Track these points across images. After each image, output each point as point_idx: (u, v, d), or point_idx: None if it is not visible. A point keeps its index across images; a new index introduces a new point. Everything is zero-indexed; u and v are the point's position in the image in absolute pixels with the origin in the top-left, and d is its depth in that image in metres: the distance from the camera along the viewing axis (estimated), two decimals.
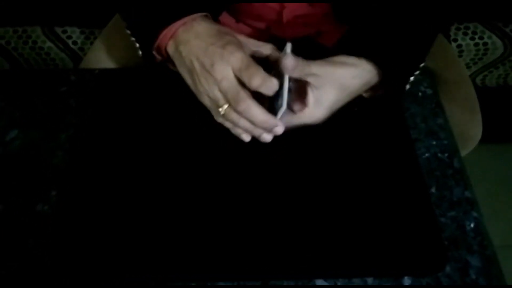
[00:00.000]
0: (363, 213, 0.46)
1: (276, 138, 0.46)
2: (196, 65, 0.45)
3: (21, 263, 0.44)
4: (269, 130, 0.44)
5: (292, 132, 0.46)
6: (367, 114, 0.53)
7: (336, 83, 0.45)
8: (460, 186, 0.49)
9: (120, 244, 0.44)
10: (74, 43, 0.85)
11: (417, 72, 0.52)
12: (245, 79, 0.42)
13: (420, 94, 0.58)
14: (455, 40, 0.85)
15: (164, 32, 0.48)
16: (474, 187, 0.50)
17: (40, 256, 0.44)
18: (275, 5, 0.60)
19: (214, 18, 0.62)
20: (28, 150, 0.53)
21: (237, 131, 0.46)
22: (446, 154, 0.52)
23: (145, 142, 0.52)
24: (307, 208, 0.46)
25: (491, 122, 0.88)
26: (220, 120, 0.46)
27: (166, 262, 0.43)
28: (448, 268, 0.43)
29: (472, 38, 0.85)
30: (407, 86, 0.52)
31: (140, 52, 0.54)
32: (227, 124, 0.46)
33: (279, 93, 0.43)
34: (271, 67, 0.47)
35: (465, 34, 0.86)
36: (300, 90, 0.46)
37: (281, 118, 0.44)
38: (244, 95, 0.42)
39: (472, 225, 0.46)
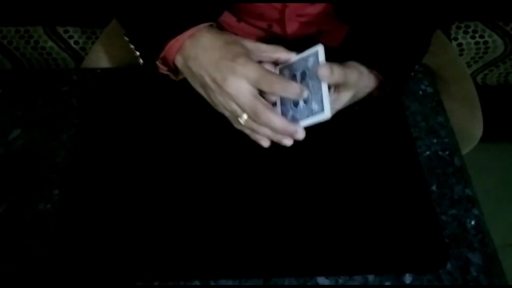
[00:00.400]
0: (364, 211, 0.46)
1: None
2: (208, 80, 0.45)
3: (23, 262, 0.44)
4: (289, 136, 0.45)
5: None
6: (368, 113, 0.53)
7: (355, 89, 0.47)
8: (461, 184, 0.49)
9: (122, 243, 0.45)
10: (76, 43, 0.85)
11: (412, 74, 0.53)
12: (265, 88, 0.43)
13: (420, 92, 0.58)
14: (456, 38, 0.86)
15: (170, 43, 0.47)
16: (475, 186, 0.50)
17: (42, 255, 0.44)
18: (277, 4, 0.60)
19: (216, 18, 0.62)
20: (30, 150, 0.53)
21: (256, 137, 0.46)
22: (447, 152, 0.52)
23: (147, 141, 0.52)
24: (309, 206, 0.47)
25: (492, 120, 0.88)
26: (239, 127, 0.47)
27: (168, 261, 0.43)
28: (449, 266, 0.43)
29: (473, 37, 0.86)
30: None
31: (141, 61, 0.53)
32: (247, 131, 0.46)
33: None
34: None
35: (466, 32, 0.86)
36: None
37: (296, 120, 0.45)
38: (262, 107, 0.43)
39: (473, 223, 0.46)
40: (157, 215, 0.46)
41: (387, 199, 0.47)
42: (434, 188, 0.49)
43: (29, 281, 0.43)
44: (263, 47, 0.48)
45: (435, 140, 0.53)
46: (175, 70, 0.51)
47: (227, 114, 0.47)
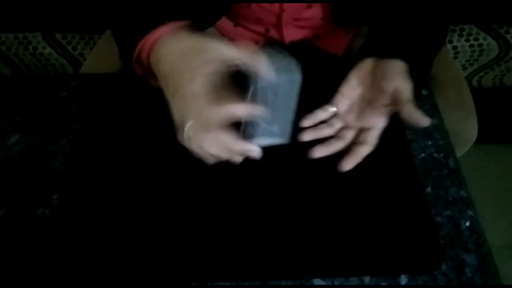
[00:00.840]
0: (360, 213, 0.47)
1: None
2: (170, 84, 0.43)
3: (23, 265, 0.45)
4: (239, 154, 0.43)
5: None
6: None
7: (404, 78, 0.47)
8: (456, 186, 0.50)
9: (121, 246, 0.45)
10: (74, 48, 0.86)
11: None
12: (217, 100, 0.40)
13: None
14: (451, 41, 0.86)
15: (141, 42, 0.46)
16: (471, 187, 0.50)
17: (42, 259, 0.45)
18: (275, 9, 0.61)
19: (213, 22, 0.62)
20: (29, 155, 0.53)
21: (201, 154, 0.43)
22: (441, 154, 0.52)
23: (145, 146, 0.53)
24: (304, 208, 0.47)
25: (488, 122, 0.89)
26: (183, 141, 0.43)
27: (166, 263, 0.44)
28: (444, 267, 0.44)
29: (467, 40, 0.86)
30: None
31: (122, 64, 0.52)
32: (191, 146, 0.42)
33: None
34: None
35: (461, 35, 0.86)
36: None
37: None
38: (214, 120, 0.40)
39: (467, 224, 0.47)
40: (155, 219, 0.47)
41: (382, 201, 0.47)
42: (429, 190, 0.49)
43: (29, 283, 0.44)
44: (235, 52, 0.43)
45: (430, 142, 0.53)
46: (149, 72, 0.48)
47: (177, 123, 0.43)
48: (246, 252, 0.44)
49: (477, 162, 1.11)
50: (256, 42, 0.73)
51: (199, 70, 0.41)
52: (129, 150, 0.52)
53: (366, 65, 0.49)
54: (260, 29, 0.68)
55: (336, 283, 0.43)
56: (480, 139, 0.71)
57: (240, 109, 0.41)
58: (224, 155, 0.43)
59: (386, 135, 0.53)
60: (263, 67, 0.42)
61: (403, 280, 0.43)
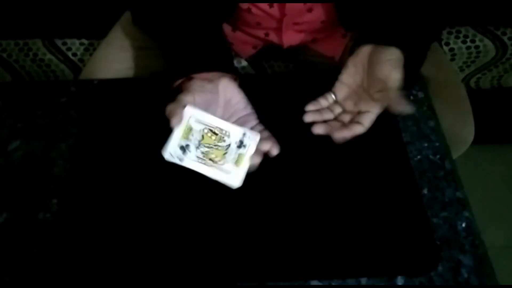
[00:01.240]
0: (357, 214, 0.47)
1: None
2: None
3: (24, 270, 0.45)
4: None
5: (284, 137, 0.48)
6: None
7: (396, 66, 0.48)
8: (452, 187, 0.50)
9: (121, 250, 0.45)
10: (74, 54, 0.87)
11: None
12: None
13: (411, 97, 0.59)
14: (447, 43, 0.87)
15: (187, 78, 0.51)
16: (472, 188, 0.51)
17: (43, 263, 0.45)
18: (276, 13, 0.62)
19: (219, 25, 0.63)
20: (29, 160, 0.54)
21: None
22: (437, 156, 0.53)
23: (144, 151, 0.53)
24: (301, 210, 0.47)
25: (487, 123, 0.89)
26: None
27: (165, 266, 0.44)
28: (440, 268, 0.44)
29: (464, 42, 0.87)
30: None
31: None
32: None
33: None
34: None
35: (457, 37, 0.87)
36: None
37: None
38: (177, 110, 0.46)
39: (463, 225, 0.47)
40: (155, 223, 0.47)
41: (379, 203, 0.48)
42: (425, 191, 0.50)
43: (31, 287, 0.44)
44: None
45: (426, 144, 0.54)
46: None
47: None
48: (243, 253, 0.45)
49: (476, 162, 1.12)
50: (255, 46, 0.73)
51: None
52: (129, 155, 0.53)
53: (363, 52, 0.51)
54: (260, 33, 0.68)
55: (333, 284, 0.43)
56: (480, 140, 0.71)
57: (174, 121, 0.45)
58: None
59: (382, 138, 0.53)
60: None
61: (400, 281, 0.43)
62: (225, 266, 0.44)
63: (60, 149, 0.54)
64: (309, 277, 0.43)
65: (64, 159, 0.53)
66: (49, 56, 0.86)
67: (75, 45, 0.86)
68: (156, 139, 0.54)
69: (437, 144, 0.54)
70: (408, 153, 0.53)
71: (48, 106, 0.59)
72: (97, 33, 0.81)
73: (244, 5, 0.61)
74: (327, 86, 0.53)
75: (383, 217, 0.47)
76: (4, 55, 0.87)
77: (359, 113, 0.50)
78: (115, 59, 0.68)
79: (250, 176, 0.49)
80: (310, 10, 0.61)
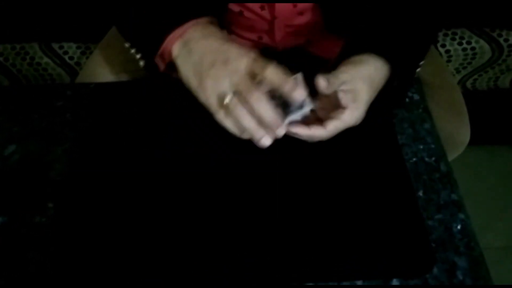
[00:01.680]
0: (352, 217, 0.47)
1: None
2: (207, 60, 0.45)
3: (20, 274, 0.45)
4: (272, 130, 0.43)
5: (280, 140, 0.48)
6: None
7: (366, 79, 0.47)
8: (447, 189, 0.50)
9: (118, 254, 0.45)
10: (71, 58, 0.87)
11: (421, 62, 0.54)
12: (265, 74, 0.42)
13: (407, 99, 0.59)
14: (444, 45, 0.87)
15: (172, 34, 0.48)
16: (469, 189, 0.51)
17: (39, 267, 0.45)
18: (267, 16, 0.62)
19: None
20: (26, 164, 0.54)
21: (237, 130, 0.44)
22: (433, 158, 0.53)
23: (141, 155, 0.53)
24: (295, 212, 0.47)
25: (484, 124, 0.90)
26: (220, 117, 0.44)
27: (161, 269, 0.44)
28: (435, 270, 0.44)
29: (460, 43, 0.87)
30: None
31: (141, 63, 0.54)
32: (227, 123, 0.44)
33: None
34: None
35: (453, 39, 0.87)
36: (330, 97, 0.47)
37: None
38: (255, 88, 0.42)
39: (459, 227, 0.47)
40: (152, 227, 0.47)
41: (374, 205, 0.48)
42: (420, 193, 0.50)
43: None
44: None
45: (421, 147, 0.54)
46: (170, 66, 0.50)
47: (210, 100, 0.44)
48: (238, 256, 0.45)
49: (474, 163, 1.12)
50: (249, 49, 0.73)
51: (237, 49, 0.44)
52: (125, 158, 0.53)
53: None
54: (253, 36, 0.69)
55: (328, 285, 0.43)
56: (476, 141, 0.72)
57: (277, 76, 0.42)
58: (257, 133, 0.43)
59: (378, 140, 0.53)
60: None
61: (395, 283, 0.44)
62: (218, 270, 0.44)
63: (57, 152, 0.54)
64: (304, 280, 0.44)
65: (60, 163, 0.53)
66: (46, 59, 0.87)
67: (72, 49, 0.87)
68: (154, 142, 0.54)
69: (432, 146, 0.54)
70: (404, 155, 0.53)
71: (44, 109, 0.59)
72: (93, 37, 0.81)
73: (236, 8, 0.62)
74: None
75: (378, 219, 0.47)
76: (1, 59, 0.87)
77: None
78: (112, 62, 0.68)
79: (247, 180, 0.50)
80: (301, 13, 0.61)
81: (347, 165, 0.51)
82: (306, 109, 0.45)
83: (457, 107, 0.67)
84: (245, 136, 0.44)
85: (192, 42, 0.47)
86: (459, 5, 0.81)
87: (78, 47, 0.87)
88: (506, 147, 1.21)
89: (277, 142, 0.47)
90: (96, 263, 0.45)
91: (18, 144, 0.56)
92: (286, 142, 0.48)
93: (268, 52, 0.72)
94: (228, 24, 0.68)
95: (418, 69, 0.56)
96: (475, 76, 0.96)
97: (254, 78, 0.43)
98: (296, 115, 0.45)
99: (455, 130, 0.66)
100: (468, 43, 0.87)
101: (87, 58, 0.86)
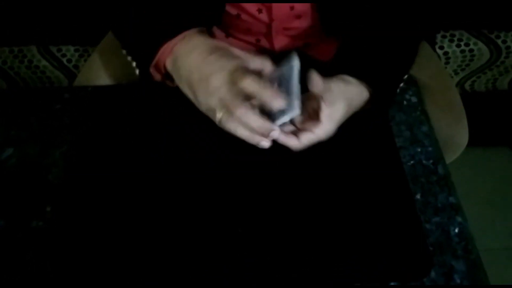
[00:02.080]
0: (349, 220, 0.47)
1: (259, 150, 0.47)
2: (195, 76, 0.47)
3: (18, 278, 0.45)
4: (266, 135, 0.45)
5: (278, 142, 0.48)
6: (353, 123, 0.54)
7: (347, 99, 0.49)
8: (445, 192, 0.50)
9: (116, 258, 0.45)
10: (69, 61, 0.87)
11: (401, 84, 0.55)
12: (239, 82, 0.44)
13: (405, 102, 0.59)
14: (442, 47, 0.87)
15: (163, 48, 0.49)
16: (468, 191, 0.51)
17: (36, 271, 0.45)
18: (264, 19, 0.62)
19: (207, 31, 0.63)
20: (23, 167, 0.54)
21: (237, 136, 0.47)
22: (430, 161, 0.53)
23: (139, 158, 0.53)
24: (292, 215, 0.47)
25: (483, 126, 0.89)
26: (221, 125, 0.47)
27: (159, 272, 0.44)
28: (433, 273, 0.44)
29: (458, 45, 0.87)
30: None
31: (137, 71, 0.55)
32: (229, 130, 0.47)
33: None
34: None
35: (451, 41, 0.87)
36: (307, 108, 0.49)
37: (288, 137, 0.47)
38: (240, 101, 0.44)
39: (456, 230, 0.47)
40: (150, 231, 0.47)
41: (371, 208, 0.48)
42: (418, 196, 0.50)
43: None
44: (249, 56, 0.49)
45: (419, 149, 0.54)
46: (167, 75, 0.52)
47: (210, 114, 0.47)
48: (235, 259, 0.45)
49: (472, 165, 1.12)
50: (248, 51, 0.73)
51: (217, 62, 0.46)
52: (123, 162, 0.53)
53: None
54: (251, 39, 0.69)
55: None
56: (475, 142, 0.72)
57: (264, 92, 0.44)
58: (254, 139, 0.46)
59: (375, 143, 0.53)
60: (268, 64, 0.48)
61: (392, 287, 0.43)
62: (214, 275, 0.44)
63: (54, 156, 0.54)
64: (301, 283, 0.43)
65: (57, 167, 0.53)
66: (44, 62, 0.87)
67: (70, 52, 0.87)
68: (151, 146, 0.54)
69: (430, 149, 0.54)
70: (401, 158, 0.53)
71: (42, 112, 0.59)
72: (91, 40, 0.81)
73: (233, 11, 0.62)
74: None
75: (375, 222, 0.47)
76: None
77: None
78: (110, 65, 0.68)
79: (245, 181, 0.50)
80: (298, 17, 0.61)
81: (344, 168, 0.51)
82: (295, 112, 0.46)
83: (455, 109, 0.67)
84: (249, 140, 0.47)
85: (179, 60, 0.49)
86: (457, 6, 0.81)
87: (76, 50, 0.87)
88: (504, 149, 1.21)
89: (276, 144, 0.48)
90: (94, 267, 0.45)
91: (15, 147, 0.55)
92: (283, 147, 0.48)
93: (267, 55, 0.72)
94: (226, 27, 0.68)
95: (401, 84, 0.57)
96: (474, 78, 0.96)
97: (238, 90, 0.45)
98: (285, 118, 0.47)
99: (453, 133, 0.66)
100: (466, 45, 0.87)
101: (85, 61, 0.86)
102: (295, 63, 0.47)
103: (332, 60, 0.54)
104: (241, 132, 0.45)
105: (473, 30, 0.88)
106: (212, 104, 0.46)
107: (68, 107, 0.59)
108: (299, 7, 0.60)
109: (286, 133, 0.48)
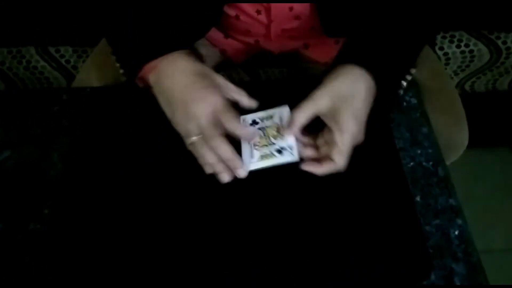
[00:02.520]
0: (348, 222, 0.47)
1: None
2: (177, 97, 0.48)
3: (16, 280, 0.45)
4: (232, 168, 0.47)
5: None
6: None
7: (340, 96, 0.47)
8: (445, 194, 0.50)
9: (113, 260, 0.45)
10: (67, 61, 0.87)
11: (409, 78, 0.54)
12: (223, 121, 0.46)
13: (405, 104, 0.59)
14: (442, 48, 0.87)
15: (148, 65, 0.51)
16: (469, 192, 0.51)
17: (34, 273, 0.45)
18: (263, 20, 0.62)
19: (204, 33, 0.63)
20: (21, 170, 0.53)
21: (201, 161, 0.48)
22: (430, 163, 0.53)
23: (137, 160, 0.53)
24: (290, 217, 0.47)
25: (483, 127, 0.89)
26: (190, 148, 0.48)
27: (156, 273, 0.44)
28: (433, 276, 0.44)
29: (458, 46, 0.87)
30: (400, 92, 0.54)
31: (124, 78, 0.56)
32: (195, 154, 0.48)
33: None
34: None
35: (451, 42, 0.87)
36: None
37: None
38: (218, 134, 0.46)
39: (456, 233, 0.47)
40: (148, 233, 0.47)
41: (371, 211, 0.48)
42: (418, 199, 0.49)
43: None
44: (231, 86, 0.51)
45: (419, 151, 0.54)
46: (150, 85, 0.53)
47: (182, 133, 0.49)
48: (232, 260, 0.44)
49: (472, 166, 1.11)
50: (247, 53, 0.73)
51: (201, 91, 0.48)
52: (121, 164, 0.52)
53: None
54: (250, 40, 0.68)
55: None
56: (475, 143, 0.71)
57: (240, 129, 0.46)
58: (218, 168, 0.47)
59: (375, 145, 0.53)
60: (244, 95, 0.49)
61: None
62: (209, 277, 0.44)
63: (52, 158, 0.54)
64: (300, 286, 0.43)
65: (55, 169, 0.53)
66: (42, 63, 0.86)
67: (68, 52, 0.86)
68: (150, 147, 0.54)
69: (430, 150, 0.54)
70: (401, 159, 0.52)
71: (40, 114, 0.59)
72: (90, 41, 0.80)
73: (232, 12, 0.62)
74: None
75: (375, 224, 0.47)
76: None
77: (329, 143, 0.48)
78: (108, 66, 0.67)
79: (244, 183, 0.49)
80: (297, 17, 0.61)
81: (344, 170, 0.51)
82: (290, 158, 0.46)
83: (455, 111, 0.67)
84: (207, 169, 0.48)
85: (162, 78, 0.51)
86: (457, 7, 0.81)
87: (74, 51, 0.86)
88: (504, 149, 1.21)
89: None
90: (92, 269, 0.45)
91: (13, 149, 0.55)
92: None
93: (266, 55, 0.72)
94: (224, 28, 0.68)
95: (409, 77, 0.56)
96: (474, 79, 0.96)
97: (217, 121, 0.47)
98: (279, 160, 0.47)
99: (453, 134, 0.66)
100: (466, 45, 0.87)
101: (83, 61, 0.85)
102: (286, 116, 0.49)
103: (337, 55, 0.53)
104: (208, 157, 0.46)
105: (473, 31, 0.87)
106: (189, 127, 0.47)
107: (67, 109, 0.59)
108: (298, 7, 0.59)
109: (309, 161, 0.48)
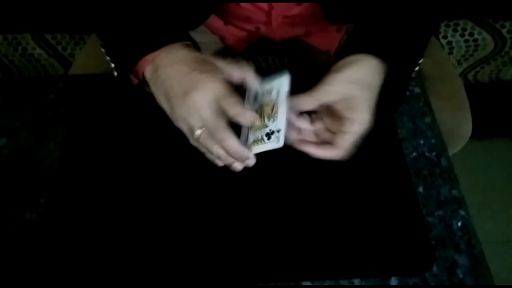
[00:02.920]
0: (350, 213, 0.46)
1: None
2: (176, 89, 0.45)
3: (11, 270, 0.44)
4: (241, 161, 0.44)
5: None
6: None
7: (356, 83, 0.44)
8: (448, 185, 0.49)
9: (109, 252, 0.45)
10: (64, 49, 0.85)
11: (421, 61, 0.51)
12: (225, 107, 0.43)
13: (408, 93, 0.58)
14: (445, 37, 0.85)
15: (145, 58, 0.47)
16: (471, 183, 0.50)
17: (29, 263, 0.45)
18: (263, 6, 0.60)
19: (203, 20, 0.62)
20: (16, 158, 0.53)
21: (210, 156, 0.46)
22: (433, 153, 0.52)
23: (134, 149, 0.52)
24: (293, 209, 0.47)
25: (486, 117, 0.88)
26: (195, 144, 0.46)
27: (153, 268, 0.43)
28: (435, 268, 0.43)
29: (462, 35, 0.85)
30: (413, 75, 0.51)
31: (115, 73, 0.52)
32: (201, 149, 0.46)
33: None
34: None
35: (455, 30, 0.85)
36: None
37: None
38: (222, 125, 0.43)
39: (459, 224, 0.46)
40: (144, 225, 0.46)
41: (373, 201, 0.47)
42: (420, 189, 0.49)
43: None
44: (233, 67, 0.46)
45: (422, 141, 0.53)
46: (144, 82, 0.50)
47: (184, 128, 0.45)
48: (235, 253, 0.44)
49: (475, 156, 1.11)
50: (247, 41, 0.72)
51: (201, 79, 0.44)
52: (118, 153, 0.52)
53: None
54: (251, 27, 0.67)
55: (326, 284, 0.42)
56: (478, 134, 0.71)
57: (242, 115, 0.43)
58: (228, 161, 0.44)
59: (377, 134, 0.52)
60: (249, 74, 0.45)
61: (394, 281, 0.43)
62: (215, 267, 0.43)
63: (48, 147, 0.53)
64: (301, 278, 0.43)
65: (51, 158, 0.52)
66: (38, 50, 0.85)
67: (65, 40, 0.85)
68: (147, 136, 0.53)
69: (433, 141, 0.53)
70: (404, 150, 0.52)
71: (36, 102, 0.58)
72: (87, 28, 0.79)
73: None
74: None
75: (377, 216, 0.46)
76: None
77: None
78: (105, 53, 0.66)
79: (245, 176, 0.48)
80: (299, 4, 0.60)
81: (345, 160, 0.50)
82: (276, 145, 0.43)
83: (459, 100, 0.66)
84: (218, 162, 0.45)
85: (161, 69, 0.47)
86: None
87: (71, 38, 0.85)
88: (508, 140, 1.20)
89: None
90: (88, 260, 0.44)
91: (8, 137, 0.54)
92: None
93: (266, 43, 0.71)
94: (224, 15, 0.67)
95: (417, 68, 0.53)
96: (477, 69, 0.94)
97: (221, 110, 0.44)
98: (266, 146, 0.44)
99: (457, 124, 0.65)
100: (471, 34, 0.85)
101: (80, 49, 0.84)
102: (286, 85, 0.45)
103: (346, 43, 0.51)
104: (217, 151, 0.44)
105: (478, 19, 0.86)
106: (191, 121, 0.44)
107: (63, 97, 0.58)
108: None
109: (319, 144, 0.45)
